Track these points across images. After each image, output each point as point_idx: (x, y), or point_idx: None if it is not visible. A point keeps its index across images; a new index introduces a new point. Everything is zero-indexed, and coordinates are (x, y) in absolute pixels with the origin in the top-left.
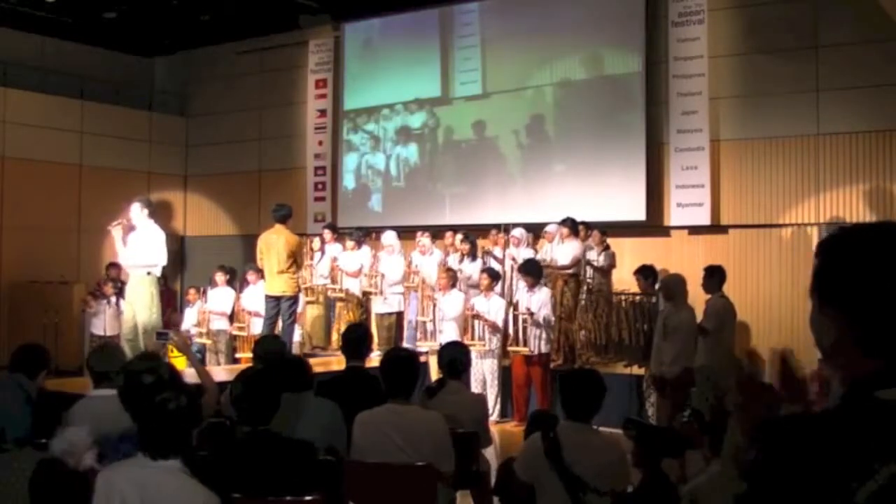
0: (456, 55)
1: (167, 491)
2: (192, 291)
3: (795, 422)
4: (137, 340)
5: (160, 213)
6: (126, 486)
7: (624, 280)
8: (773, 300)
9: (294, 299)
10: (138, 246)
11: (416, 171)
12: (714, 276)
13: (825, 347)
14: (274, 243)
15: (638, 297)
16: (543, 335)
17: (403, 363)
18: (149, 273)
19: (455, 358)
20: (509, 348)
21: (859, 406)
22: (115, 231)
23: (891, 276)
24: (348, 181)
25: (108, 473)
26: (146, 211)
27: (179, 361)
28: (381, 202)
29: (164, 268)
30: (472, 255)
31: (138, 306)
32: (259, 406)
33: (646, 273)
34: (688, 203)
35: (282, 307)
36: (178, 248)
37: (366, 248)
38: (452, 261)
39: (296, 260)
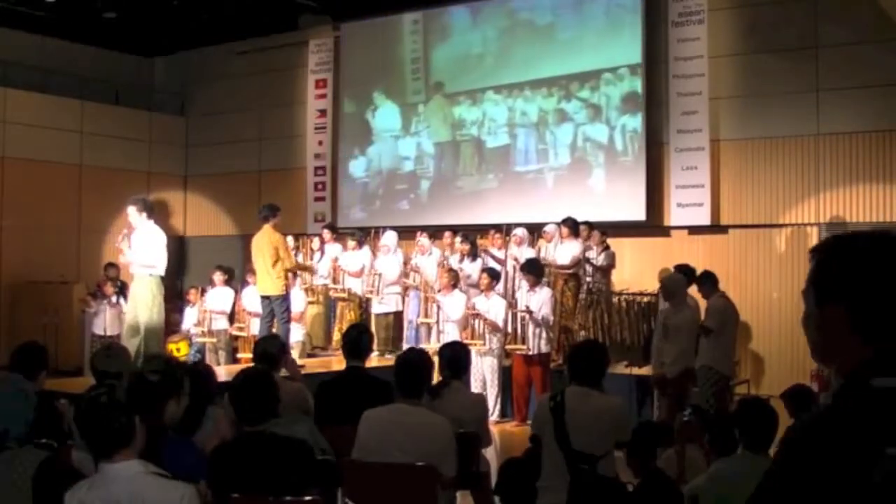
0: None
1: (143, 498)
2: (192, 291)
3: (807, 421)
4: (138, 340)
5: (160, 214)
6: None
7: (624, 280)
8: (772, 300)
9: (283, 298)
10: (139, 247)
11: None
12: (706, 282)
13: (820, 343)
14: (259, 243)
15: (637, 297)
16: (543, 335)
17: (416, 363)
18: (151, 273)
19: (456, 357)
20: (508, 347)
21: (858, 395)
22: (123, 245)
23: (890, 263)
24: (563, 156)
25: (79, 495)
26: (144, 214)
27: (183, 346)
28: (604, 179)
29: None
30: (473, 255)
31: (139, 306)
32: (257, 406)
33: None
34: (688, 203)
35: (274, 308)
36: (179, 248)
37: (366, 249)
38: (452, 261)
39: (279, 257)
